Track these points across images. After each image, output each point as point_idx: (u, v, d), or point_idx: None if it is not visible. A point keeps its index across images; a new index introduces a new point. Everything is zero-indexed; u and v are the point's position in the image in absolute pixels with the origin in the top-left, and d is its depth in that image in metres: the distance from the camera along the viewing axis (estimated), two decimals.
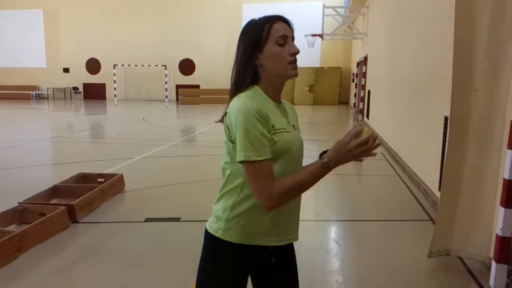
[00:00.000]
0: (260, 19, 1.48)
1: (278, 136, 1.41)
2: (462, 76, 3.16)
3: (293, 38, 1.49)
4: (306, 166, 1.43)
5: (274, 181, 1.38)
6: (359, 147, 1.31)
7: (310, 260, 3.54)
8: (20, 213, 4.22)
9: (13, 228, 4.00)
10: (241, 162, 1.38)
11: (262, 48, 1.45)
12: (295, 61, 1.46)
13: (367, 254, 3.79)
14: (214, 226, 1.51)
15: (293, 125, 1.55)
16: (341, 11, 18.04)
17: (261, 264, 1.56)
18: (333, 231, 4.40)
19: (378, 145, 1.35)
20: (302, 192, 1.42)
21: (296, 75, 1.48)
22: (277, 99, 1.52)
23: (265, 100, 1.46)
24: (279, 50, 1.44)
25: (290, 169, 1.44)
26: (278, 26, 1.45)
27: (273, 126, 1.40)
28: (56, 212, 4.07)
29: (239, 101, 1.40)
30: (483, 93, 3.10)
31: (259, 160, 1.35)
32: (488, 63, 3.06)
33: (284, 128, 1.45)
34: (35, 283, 3.16)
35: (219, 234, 1.48)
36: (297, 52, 1.46)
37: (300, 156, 1.53)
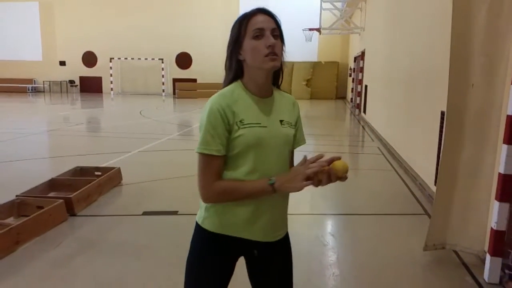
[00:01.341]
0: (241, 14, 1.50)
1: (245, 130, 1.44)
2: (459, 71, 3.18)
3: (274, 29, 1.46)
4: (257, 180, 1.46)
5: (219, 179, 1.46)
6: (309, 168, 1.36)
7: (307, 252, 3.58)
8: (18, 206, 4.23)
9: (11, 221, 4.01)
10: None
11: (241, 43, 1.47)
12: (272, 53, 1.43)
13: (363, 247, 3.83)
14: (198, 215, 1.59)
15: (281, 120, 1.54)
16: (339, 5, 17.98)
17: (245, 255, 1.60)
18: (329, 225, 4.44)
19: (336, 179, 1.39)
20: (240, 199, 1.48)
21: (273, 67, 1.46)
22: (260, 94, 1.52)
23: (241, 95, 1.49)
24: (256, 44, 1.44)
25: (264, 163, 1.48)
26: (255, 20, 1.45)
27: (241, 121, 1.44)
28: (54, 205, 4.08)
29: (212, 97, 1.48)
30: (480, 88, 3.12)
31: (207, 154, 1.43)
32: (484, 58, 3.08)
33: (258, 123, 1.47)
34: (33, 276, 3.17)
35: (200, 222, 1.56)
36: (272, 44, 1.43)
37: (277, 151, 1.52)
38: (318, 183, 1.39)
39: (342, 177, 1.38)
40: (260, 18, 1.46)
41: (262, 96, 1.53)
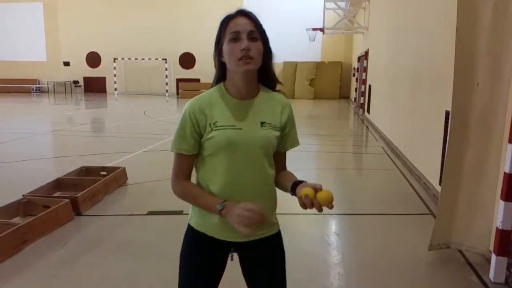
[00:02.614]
0: (224, 16, 1.52)
1: (217, 132, 1.48)
2: (464, 71, 3.18)
3: (252, 32, 1.45)
4: (213, 197, 1.50)
5: (187, 177, 1.57)
6: (244, 211, 1.36)
7: (312, 252, 3.59)
8: (24, 206, 4.25)
9: (17, 220, 4.04)
10: None
11: (221, 46, 1.49)
12: (246, 56, 1.43)
13: (368, 247, 3.83)
14: (189, 213, 1.66)
15: (262, 122, 1.53)
16: (342, 4, 17.94)
17: (229, 253, 1.64)
18: (334, 224, 4.44)
19: (321, 210, 1.37)
20: (194, 205, 1.58)
21: (246, 70, 1.45)
22: (240, 96, 1.53)
23: (219, 98, 1.53)
24: (231, 47, 1.45)
25: (236, 165, 1.50)
26: (233, 23, 1.46)
27: (214, 123, 1.49)
28: (60, 205, 4.11)
29: (190, 99, 1.55)
30: (485, 87, 3.12)
31: (176, 153, 1.55)
32: (489, 58, 3.08)
33: (232, 125, 1.49)
34: (41, 275, 3.20)
35: (188, 220, 1.64)
36: (245, 47, 1.42)
37: (252, 154, 1.51)
38: (303, 207, 1.39)
39: (327, 206, 1.38)
40: (238, 21, 1.46)
41: (242, 98, 1.54)
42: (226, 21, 1.48)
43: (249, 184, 1.52)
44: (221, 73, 1.56)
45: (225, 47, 1.46)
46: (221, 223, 1.52)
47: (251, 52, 1.43)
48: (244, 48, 1.42)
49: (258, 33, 1.47)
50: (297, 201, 1.42)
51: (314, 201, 1.36)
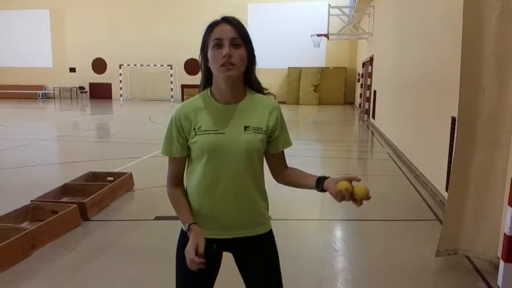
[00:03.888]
0: (209, 22, 1.56)
1: (200, 137, 1.53)
2: (470, 77, 3.19)
3: (234, 39, 1.49)
4: (189, 214, 1.61)
5: (177, 179, 1.64)
6: (187, 253, 1.48)
7: (319, 258, 3.59)
8: (32, 211, 4.29)
9: (26, 225, 4.07)
10: None
11: (206, 52, 1.54)
12: (227, 63, 1.47)
13: (375, 253, 3.83)
14: None
15: (246, 127, 1.55)
16: (347, 11, 18.03)
17: (214, 252, 1.66)
18: (340, 230, 4.44)
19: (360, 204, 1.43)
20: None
21: (227, 76, 1.50)
22: (224, 100, 1.58)
23: (204, 103, 1.59)
24: (214, 54, 1.50)
25: (217, 168, 1.55)
26: (216, 30, 1.51)
27: (198, 128, 1.55)
28: (68, 210, 4.14)
29: (178, 105, 1.64)
30: (491, 93, 3.13)
31: (167, 156, 1.62)
32: (495, 63, 3.09)
33: (215, 130, 1.53)
34: (50, 280, 3.22)
35: None
36: (226, 54, 1.47)
37: (234, 157, 1.54)
38: (341, 199, 1.44)
39: (366, 199, 1.44)
40: (222, 27, 1.50)
41: (227, 102, 1.58)
42: (211, 28, 1.53)
43: (231, 187, 1.56)
44: (207, 78, 1.61)
45: (209, 53, 1.52)
46: (203, 222, 1.60)
47: (233, 58, 1.48)
48: (225, 55, 1.47)
49: (241, 40, 1.51)
50: (331, 194, 1.48)
51: (354, 195, 1.42)
